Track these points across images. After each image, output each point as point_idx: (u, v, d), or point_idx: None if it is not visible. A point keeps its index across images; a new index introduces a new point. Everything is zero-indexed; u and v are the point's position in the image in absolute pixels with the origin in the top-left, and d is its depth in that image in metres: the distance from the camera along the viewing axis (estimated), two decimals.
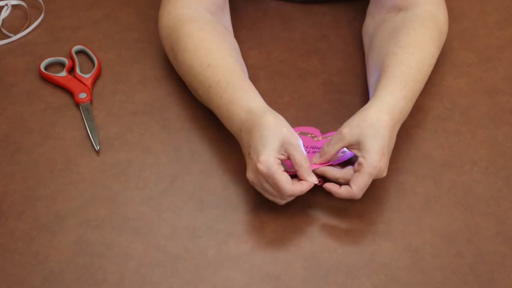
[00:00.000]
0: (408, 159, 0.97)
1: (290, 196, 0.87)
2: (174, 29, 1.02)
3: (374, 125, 0.87)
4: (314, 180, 0.88)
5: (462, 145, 0.99)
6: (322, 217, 0.91)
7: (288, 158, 0.87)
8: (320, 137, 0.97)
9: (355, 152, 0.88)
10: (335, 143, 0.89)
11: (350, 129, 0.88)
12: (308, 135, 0.97)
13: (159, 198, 0.93)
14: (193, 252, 0.87)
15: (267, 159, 0.85)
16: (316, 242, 0.88)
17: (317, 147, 0.94)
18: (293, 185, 0.86)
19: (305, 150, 0.93)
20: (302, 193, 0.88)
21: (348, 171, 0.89)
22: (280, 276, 0.85)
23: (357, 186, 0.87)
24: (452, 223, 0.90)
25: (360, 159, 0.87)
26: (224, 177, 0.95)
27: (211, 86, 0.95)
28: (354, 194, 0.87)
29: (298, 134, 0.97)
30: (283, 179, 0.85)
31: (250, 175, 0.87)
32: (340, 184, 0.90)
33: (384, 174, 0.88)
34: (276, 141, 0.86)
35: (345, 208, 0.91)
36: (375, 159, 0.86)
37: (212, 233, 0.89)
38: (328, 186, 0.89)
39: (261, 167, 0.85)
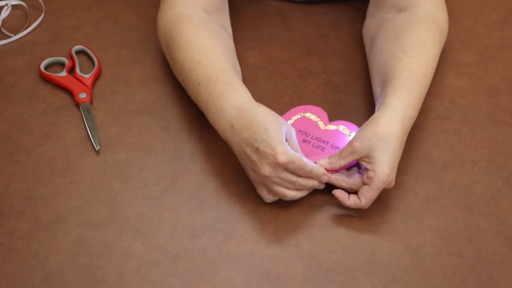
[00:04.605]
0: (408, 159, 0.97)
1: (316, 174, 0.88)
2: (169, 28, 1.02)
3: (385, 138, 0.87)
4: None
5: (462, 145, 0.99)
6: (322, 217, 0.91)
7: None
8: (327, 125, 0.97)
9: (366, 165, 0.88)
10: (346, 156, 0.89)
11: (361, 142, 0.88)
12: (316, 120, 0.97)
13: (159, 198, 0.93)
14: (193, 252, 0.87)
15: (284, 148, 0.86)
16: (316, 242, 0.88)
17: (321, 140, 0.94)
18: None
19: (309, 141, 0.95)
20: (324, 177, 0.89)
21: (355, 181, 0.89)
22: (280, 276, 0.85)
23: (366, 199, 0.88)
24: (452, 223, 0.90)
25: (370, 173, 0.87)
26: (224, 177, 0.95)
27: (201, 83, 0.95)
28: (362, 206, 0.89)
29: (307, 115, 0.97)
30: (305, 159, 0.87)
31: (267, 169, 0.86)
32: (345, 189, 0.90)
33: (392, 184, 0.89)
34: (282, 131, 0.87)
35: (345, 208, 0.91)
36: (385, 172, 0.87)
37: (212, 233, 0.89)
38: (338, 194, 0.90)
39: (282, 157, 0.85)
